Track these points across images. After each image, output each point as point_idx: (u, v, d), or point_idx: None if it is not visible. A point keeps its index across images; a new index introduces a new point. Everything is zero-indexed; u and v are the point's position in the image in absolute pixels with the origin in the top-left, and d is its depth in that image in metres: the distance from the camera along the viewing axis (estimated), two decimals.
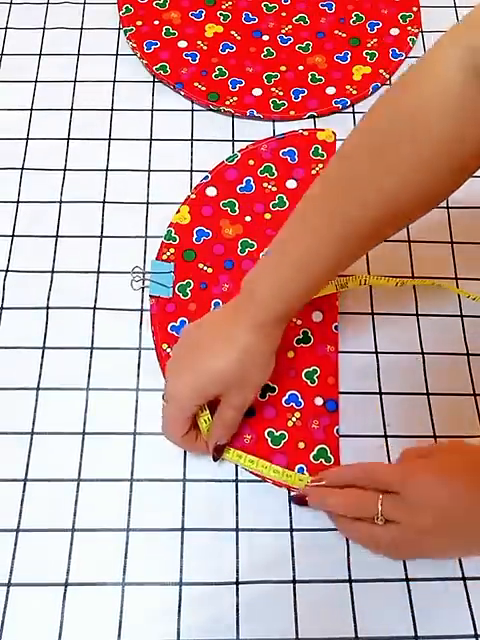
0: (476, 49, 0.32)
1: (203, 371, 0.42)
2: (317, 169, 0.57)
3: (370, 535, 0.40)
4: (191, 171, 0.57)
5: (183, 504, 0.45)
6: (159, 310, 0.51)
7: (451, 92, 0.33)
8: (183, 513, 0.45)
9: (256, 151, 0.58)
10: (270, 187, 0.57)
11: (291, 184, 0.57)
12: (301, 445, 0.47)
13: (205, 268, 0.53)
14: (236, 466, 0.46)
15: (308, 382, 0.49)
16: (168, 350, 0.50)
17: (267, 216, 0.55)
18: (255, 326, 0.41)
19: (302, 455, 0.47)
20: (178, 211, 0.55)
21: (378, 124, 0.37)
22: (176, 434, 0.44)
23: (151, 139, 0.59)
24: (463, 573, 0.44)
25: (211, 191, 0.56)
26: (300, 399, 0.49)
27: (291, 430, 0.48)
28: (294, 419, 0.48)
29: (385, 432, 0.48)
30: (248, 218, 0.55)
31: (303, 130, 0.59)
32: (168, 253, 0.54)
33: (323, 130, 0.59)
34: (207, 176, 0.57)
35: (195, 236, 0.54)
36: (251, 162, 0.58)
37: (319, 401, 0.49)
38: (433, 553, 0.41)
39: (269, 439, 0.47)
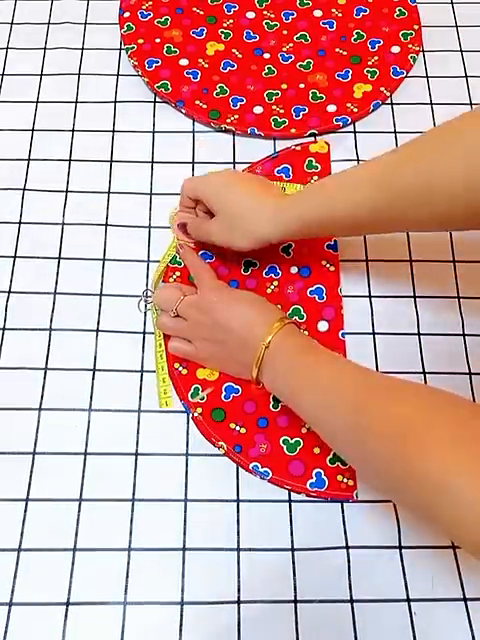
0: None
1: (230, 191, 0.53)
2: (312, 182, 0.61)
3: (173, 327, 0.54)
4: None
5: (185, 524, 0.49)
6: None
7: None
8: (185, 533, 0.48)
9: (254, 169, 0.62)
10: None
11: None
12: (316, 450, 0.50)
13: None
14: (237, 486, 0.50)
15: None
16: (180, 369, 0.53)
17: None
18: (276, 213, 0.50)
19: (318, 460, 0.50)
20: None
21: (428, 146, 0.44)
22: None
23: (153, 161, 0.63)
24: (465, 594, 0.47)
25: None
26: None
27: (305, 436, 0.51)
28: (307, 426, 0.51)
29: None
30: None
31: (296, 145, 0.63)
32: (174, 276, 0.57)
33: (316, 142, 0.63)
34: None
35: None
36: None
37: None
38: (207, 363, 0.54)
39: (285, 447, 0.51)
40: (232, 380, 0.53)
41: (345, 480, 0.50)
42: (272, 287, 0.57)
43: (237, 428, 0.51)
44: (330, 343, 0.54)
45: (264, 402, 0.52)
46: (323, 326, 0.55)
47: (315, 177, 0.61)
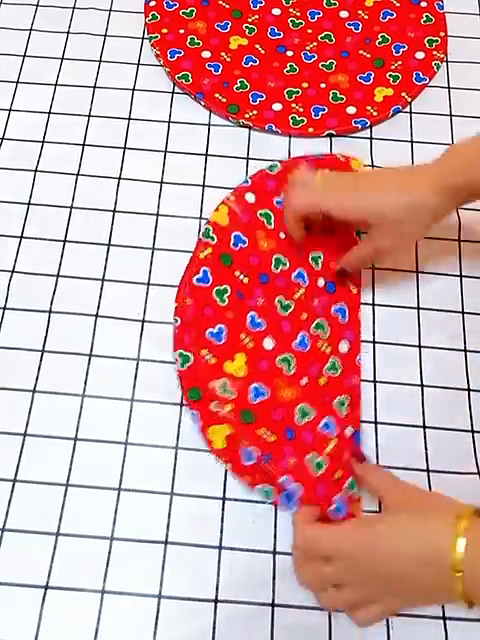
0: None
1: (367, 196, 0.49)
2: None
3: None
4: (203, 186, 0.61)
5: (168, 517, 0.48)
6: (197, 313, 0.53)
7: None
8: (168, 526, 0.48)
9: (297, 164, 0.59)
10: None
11: None
12: (337, 475, 0.48)
13: (242, 277, 0.55)
14: (224, 484, 0.49)
15: (338, 411, 0.51)
16: (207, 357, 0.51)
17: None
18: (436, 187, 0.47)
19: (338, 485, 0.48)
20: (217, 209, 0.57)
21: None
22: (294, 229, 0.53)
23: (166, 151, 0.62)
24: (444, 613, 0.46)
25: (250, 197, 0.58)
26: (334, 427, 0.50)
27: (328, 457, 0.49)
28: (330, 447, 0.50)
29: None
30: (282, 235, 0.57)
31: (341, 156, 0.61)
32: (205, 252, 0.55)
33: (356, 159, 0.61)
34: (247, 180, 0.59)
35: (233, 240, 0.55)
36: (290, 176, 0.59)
37: (349, 431, 0.51)
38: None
39: (310, 466, 0.48)
40: (261, 380, 0.51)
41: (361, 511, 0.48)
42: (299, 293, 0.55)
43: (266, 435, 0.50)
44: (348, 365, 0.53)
45: (290, 412, 0.51)
46: (344, 347, 0.54)
47: None
